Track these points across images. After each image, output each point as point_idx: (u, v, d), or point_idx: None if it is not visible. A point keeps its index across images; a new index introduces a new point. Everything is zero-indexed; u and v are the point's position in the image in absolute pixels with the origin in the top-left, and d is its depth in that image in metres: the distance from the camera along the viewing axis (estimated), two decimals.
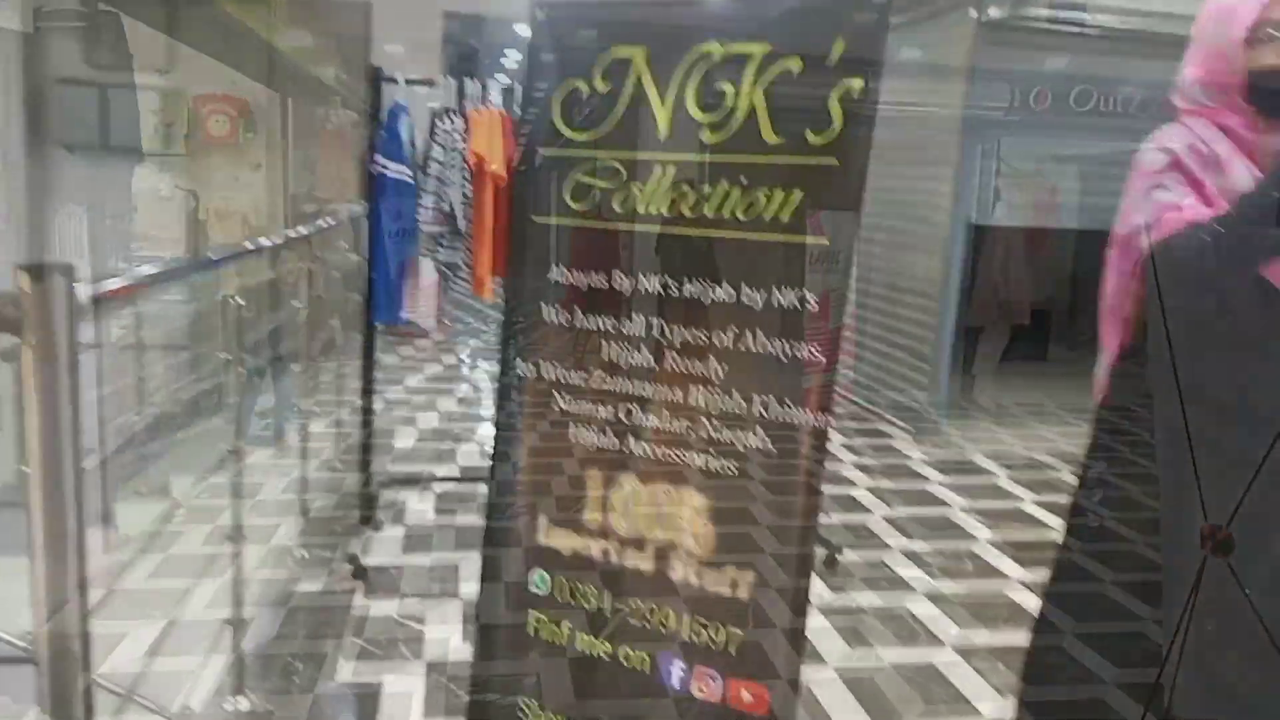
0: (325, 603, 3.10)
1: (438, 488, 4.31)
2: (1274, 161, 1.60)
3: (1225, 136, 1.69)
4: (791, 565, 1.52)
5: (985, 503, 4.46)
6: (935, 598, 3.37)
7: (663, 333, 1.60)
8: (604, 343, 1.65)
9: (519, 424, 1.75)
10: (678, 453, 1.60)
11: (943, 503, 4.52)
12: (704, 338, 1.57)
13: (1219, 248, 1.61)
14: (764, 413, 1.53)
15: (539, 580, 1.74)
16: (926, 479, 4.88)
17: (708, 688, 1.60)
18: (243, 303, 2.39)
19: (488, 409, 5.93)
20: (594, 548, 1.69)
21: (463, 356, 7.73)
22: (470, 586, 3.28)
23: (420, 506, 4.07)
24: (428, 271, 3.54)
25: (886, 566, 3.68)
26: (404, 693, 2.58)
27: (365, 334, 3.55)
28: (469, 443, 5.14)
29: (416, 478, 4.24)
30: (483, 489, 4.41)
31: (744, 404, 1.55)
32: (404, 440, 5.14)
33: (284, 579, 3.26)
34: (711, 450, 1.57)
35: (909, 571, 3.63)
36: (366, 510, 3.62)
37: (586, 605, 1.70)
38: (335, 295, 4.93)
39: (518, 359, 1.73)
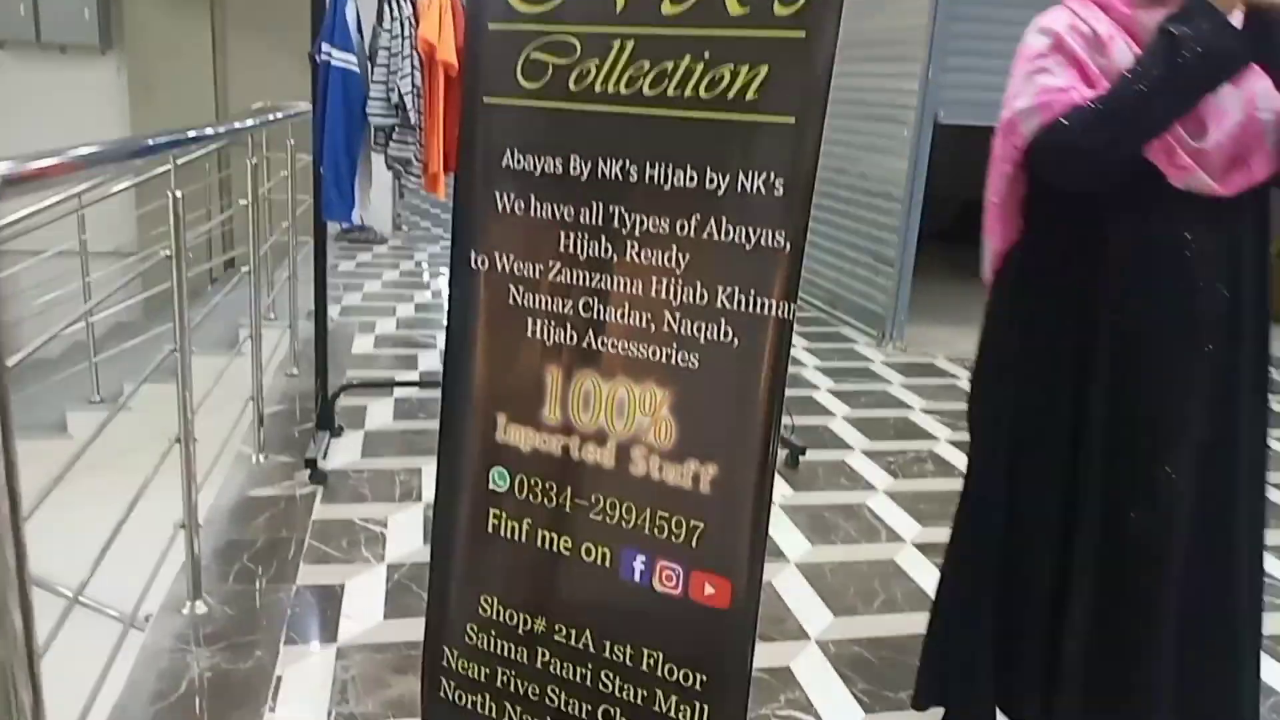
0: (284, 507, 3.06)
1: (398, 392, 4.26)
2: (1152, 38, 1.55)
3: (1105, 15, 1.64)
4: (754, 459, 1.49)
5: (946, 404, 4.49)
6: (896, 495, 3.40)
7: (622, 221, 1.53)
8: (561, 233, 1.58)
9: (474, 319, 1.68)
10: (639, 346, 1.55)
11: (904, 405, 4.54)
12: (665, 226, 1.51)
13: (1101, 128, 1.57)
14: (727, 303, 1.48)
15: (498, 477, 1.70)
16: (888, 381, 4.90)
17: (669, 581, 1.58)
18: (179, 194, 2.27)
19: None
20: (554, 444, 1.65)
21: (420, 261, 7.59)
22: (432, 490, 3.25)
23: (380, 412, 4.02)
24: (380, 170, 3.40)
25: (848, 466, 3.70)
26: (366, 594, 2.57)
27: (317, 234, 3.43)
28: (429, 349, 5.07)
29: (376, 383, 4.17)
30: (435, 396, 4.37)
31: (707, 294, 1.49)
32: (362, 346, 5.05)
33: (241, 484, 3.21)
34: (674, 343, 1.52)
35: (870, 471, 3.66)
36: (324, 415, 3.56)
37: (547, 502, 1.67)
38: (285, 197, 4.76)
39: (471, 251, 1.66)
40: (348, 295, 6.17)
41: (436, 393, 4.25)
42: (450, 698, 1.81)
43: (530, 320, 1.64)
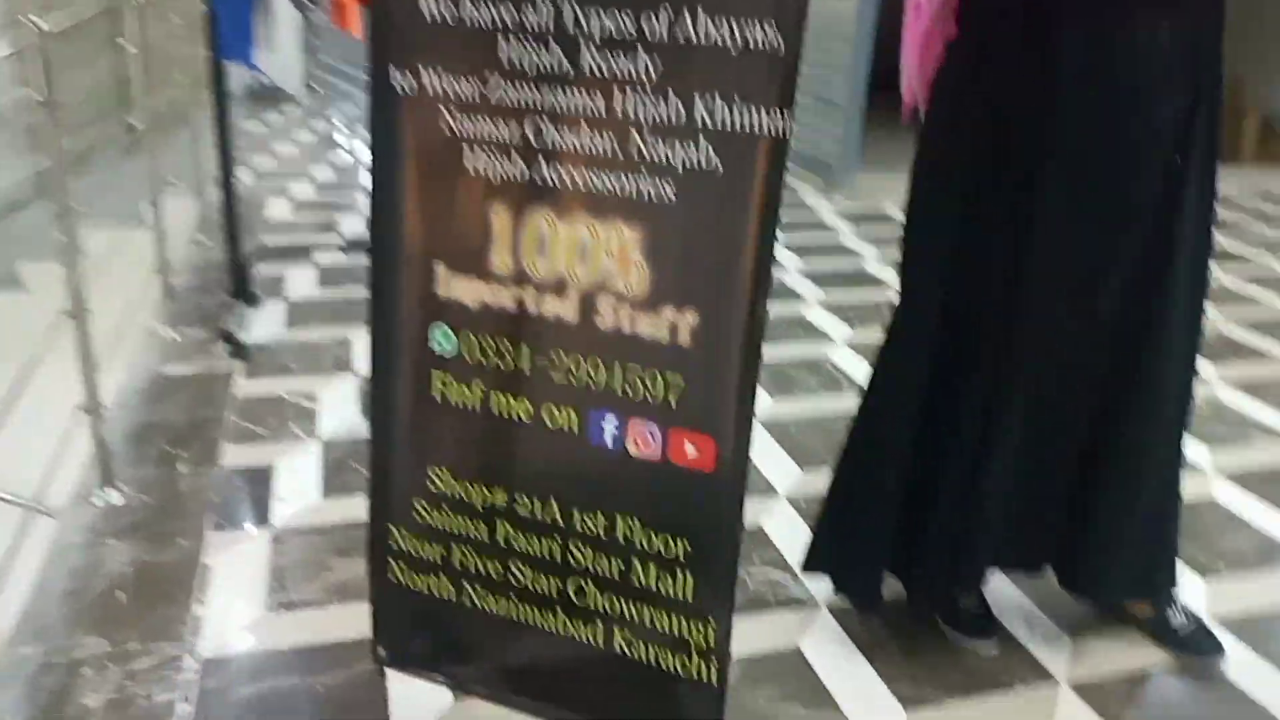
0: (202, 385, 2.80)
1: (321, 259, 3.95)
2: None
3: None
4: (742, 304, 1.29)
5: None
6: (856, 347, 3.27)
7: (577, 22, 1.27)
8: (502, 40, 1.31)
9: (400, 152, 1.42)
10: (602, 177, 1.31)
11: (857, 254, 4.39)
12: (630, 25, 1.25)
13: None
14: (708, 119, 1.24)
15: (441, 338, 1.48)
16: (839, 231, 4.73)
17: (645, 444, 1.40)
18: (44, 26, 1.91)
19: (364, 176, 5.46)
20: (505, 297, 1.42)
21: (336, 122, 7.09)
22: (363, 362, 3.02)
23: (302, 280, 3.72)
24: (285, 10, 3.02)
25: (805, 319, 3.55)
26: (299, 474, 2.36)
27: (216, 81, 3.05)
28: (352, 212, 4.72)
29: (294, 248, 3.85)
30: (362, 261, 4.07)
31: (683, 109, 1.25)
32: (278, 211, 4.68)
33: (152, 363, 2.93)
34: (644, 172, 1.29)
35: (828, 323, 3.51)
36: (240, 285, 3.26)
37: (501, 364, 1.45)
38: (181, 51, 4.30)
39: (391, 68, 1.38)
40: (259, 159, 5.72)
41: (363, 259, 3.97)
42: (401, 581, 1.63)
43: (468, 150, 1.39)
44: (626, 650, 1.51)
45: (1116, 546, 1.75)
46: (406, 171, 1.44)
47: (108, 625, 1.81)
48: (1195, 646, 1.84)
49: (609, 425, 1.43)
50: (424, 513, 1.58)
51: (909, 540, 1.76)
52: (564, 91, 1.32)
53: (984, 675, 1.78)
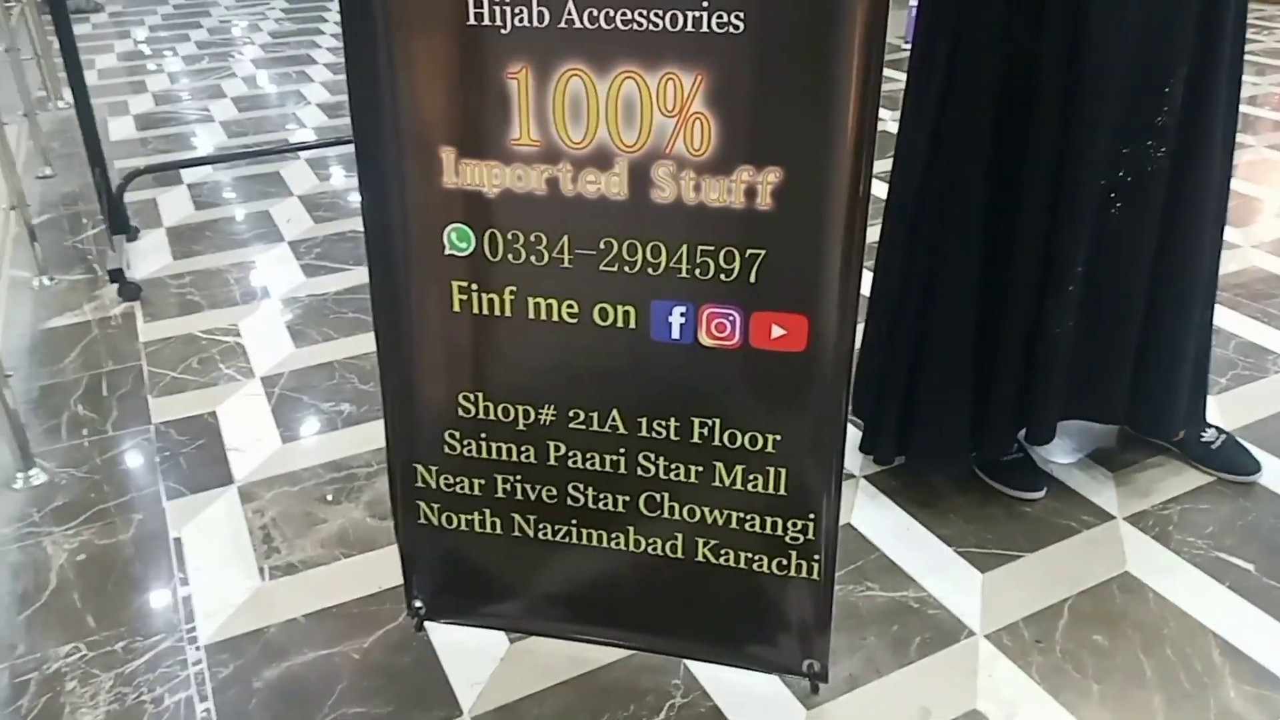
0: (98, 335, 2.43)
1: (188, 178, 3.50)
2: None
3: None
4: (839, 150, 1.10)
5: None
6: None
7: None
8: None
9: (379, 6, 1.15)
10: (649, 9, 1.08)
11: None
12: None
13: None
14: None
15: (457, 239, 1.24)
16: None
17: (722, 331, 1.22)
18: None
19: (206, 82, 4.89)
20: (534, 179, 1.19)
21: (152, 27, 6.32)
22: (279, 283, 2.69)
23: (175, 204, 3.29)
24: None
25: None
26: (247, 418, 2.08)
27: None
28: (206, 122, 4.22)
29: (171, 164, 3.39)
30: (237, 175, 3.66)
31: None
32: (121, 130, 4.13)
33: (29, 317, 2.53)
34: (704, 3, 1.07)
35: None
36: (114, 216, 2.84)
37: (535, 259, 1.23)
38: None
39: None
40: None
41: (232, 171, 3.55)
42: (435, 521, 1.42)
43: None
44: (712, 558, 1.36)
45: (1178, 384, 1.71)
46: (391, 33, 1.16)
47: (78, 627, 1.54)
48: (1230, 460, 1.83)
49: (676, 316, 1.23)
50: (459, 444, 1.36)
51: (974, 396, 1.66)
52: None
53: (1044, 524, 1.72)
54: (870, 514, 1.74)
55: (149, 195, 3.31)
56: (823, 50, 1.07)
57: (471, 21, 1.13)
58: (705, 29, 1.08)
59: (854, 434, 1.80)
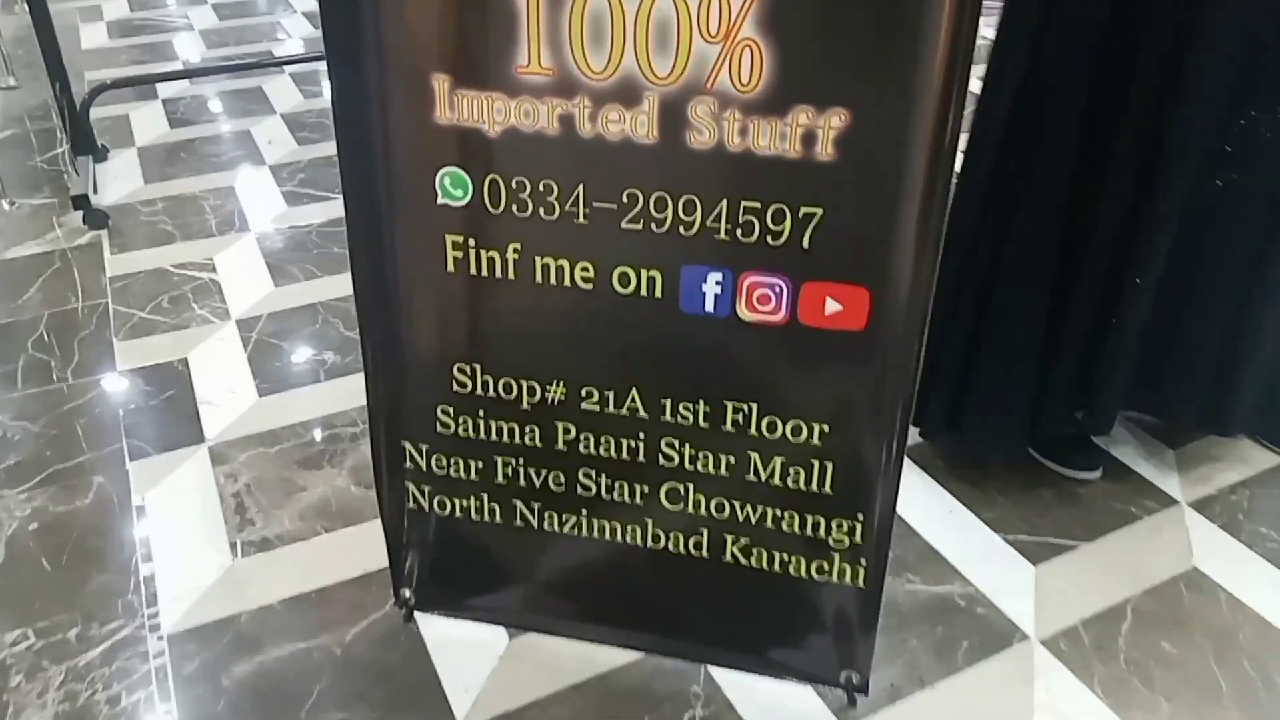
0: (61, 268, 2.23)
1: (164, 92, 3.24)
2: None
3: None
4: (921, 89, 0.89)
5: None
6: None
7: None
8: None
9: None
10: None
11: None
12: None
13: None
14: None
15: (452, 184, 1.04)
16: None
17: (765, 304, 1.03)
18: None
19: None
20: (544, 114, 0.98)
21: None
22: (259, 212, 2.48)
23: (149, 120, 3.04)
24: None
25: None
26: (221, 366, 1.89)
27: None
28: (184, 30, 3.93)
29: (138, 79, 3.13)
30: (218, 89, 3.40)
31: None
32: (93, 38, 3.84)
33: None
34: None
35: None
36: (79, 135, 2.60)
37: (544, 211, 1.03)
38: None
39: None
40: None
41: (208, 86, 3.29)
42: (426, 507, 1.25)
43: None
44: (742, 558, 1.19)
45: (1268, 390, 1.52)
46: None
47: (27, 609, 1.38)
48: None
49: (710, 284, 1.04)
50: (452, 422, 1.18)
51: (1036, 378, 1.47)
52: None
53: (1101, 508, 1.56)
54: (908, 493, 1.57)
55: (121, 111, 3.06)
56: None
57: None
58: None
59: None
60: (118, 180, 2.64)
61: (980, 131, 1.38)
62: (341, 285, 2.13)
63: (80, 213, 2.37)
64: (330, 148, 2.78)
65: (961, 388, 1.51)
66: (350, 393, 1.80)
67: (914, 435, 1.66)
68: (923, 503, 1.56)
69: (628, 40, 0.94)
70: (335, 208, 2.47)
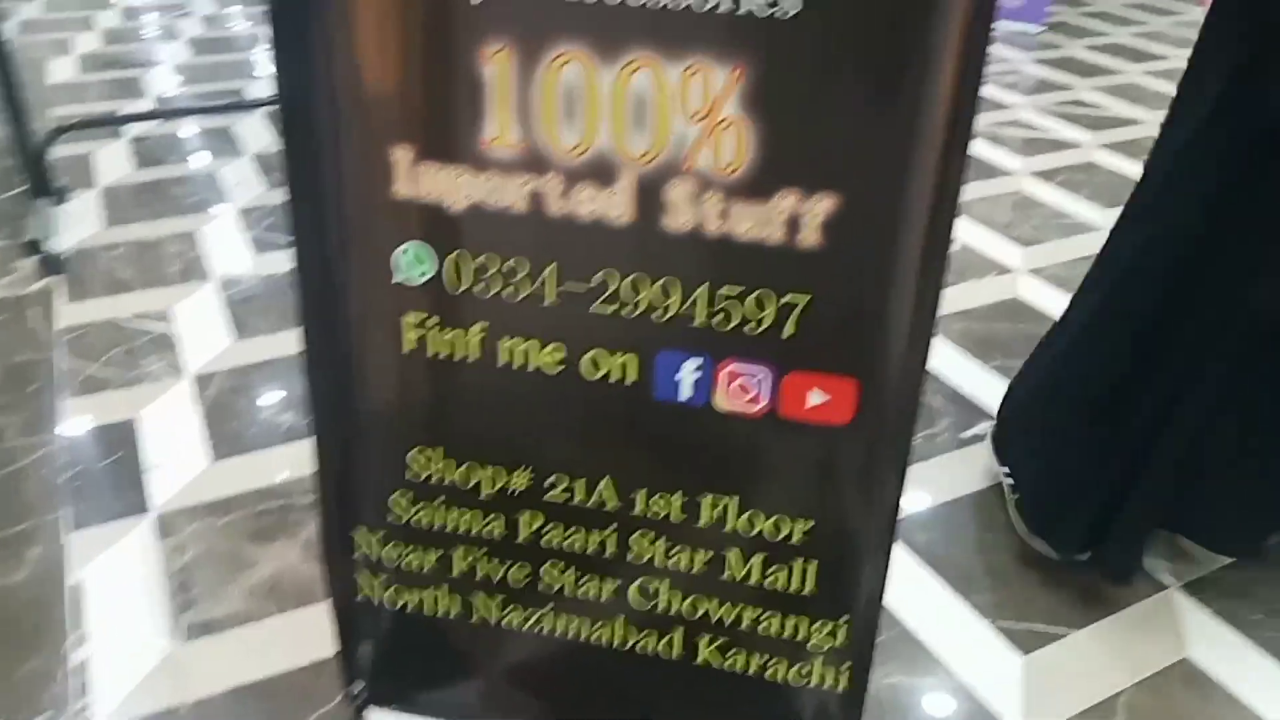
0: (10, 317, 2.13)
1: (133, 130, 3.17)
2: None
3: None
4: (914, 174, 0.84)
5: None
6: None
7: None
8: None
9: None
10: None
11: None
12: None
13: None
14: None
15: (413, 260, 0.97)
16: None
17: (744, 394, 0.96)
18: None
19: (162, 20, 4.51)
20: (511, 191, 0.92)
21: None
22: (222, 259, 2.40)
23: (114, 160, 2.96)
24: None
25: None
26: (173, 426, 1.80)
27: None
28: (156, 65, 3.86)
29: (101, 120, 3.05)
30: (187, 128, 3.33)
31: None
32: (61, 72, 3.77)
33: None
34: None
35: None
36: (37, 176, 2.51)
37: (510, 292, 0.96)
38: None
39: None
40: (22, 6, 4.63)
41: (179, 126, 3.22)
42: (378, 598, 1.17)
43: None
44: (716, 660, 1.11)
45: None
46: (330, 3, 0.88)
47: None
48: None
49: (687, 372, 0.98)
50: (406, 510, 1.10)
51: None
52: None
53: (1091, 591, 1.49)
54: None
55: (84, 149, 2.98)
56: (904, 43, 0.80)
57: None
58: (746, 8, 0.81)
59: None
60: (78, 223, 2.55)
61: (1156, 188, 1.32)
62: None
63: (36, 259, 2.28)
64: None
65: (1112, 505, 1.41)
66: (306, 458, 1.71)
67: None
68: (903, 586, 1.49)
69: (602, 116, 0.88)
70: None
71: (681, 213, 0.90)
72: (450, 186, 0.94)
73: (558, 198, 0.92)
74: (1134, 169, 3.08)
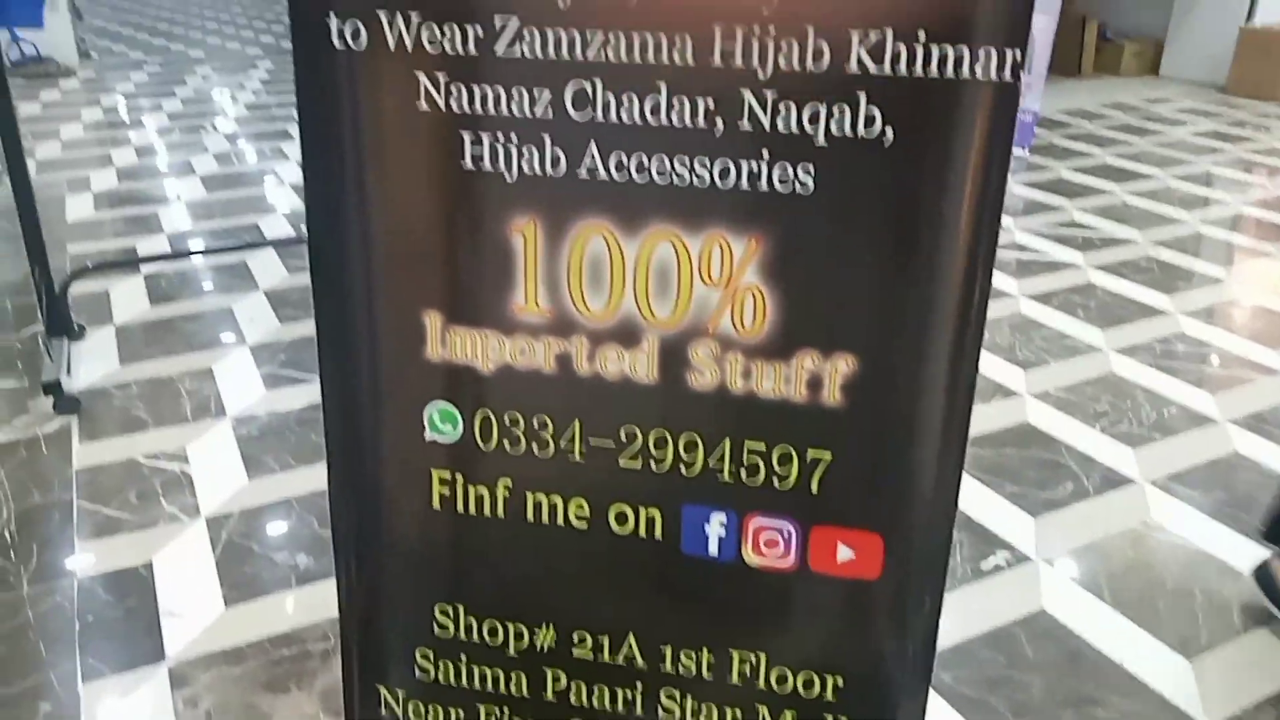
0: (25, 457, 2.14)
1: (147, 267, 3.24)
2: None
3: None
4: (930, 338, 0.87)
5: None
6: None
7: None
8: None
9: (354, 143, 0.91)
10: (694, 161, 0.85)
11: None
12: None
13: None
14: (870, 62, 0.80)
15: (440, 419, 0.99)
16: None
17: (773, 548, 0.97)
18: None
19: (177, 157, 4.66)
20: (540, 353, 0.95)
21: (124, 94, 6.11)
22: (236, 396, 2.42)
23: (129, 296, 3.02)
24: None
25: None
26: (188, 571, 1.79)
27: None
28: (170, 203, 3.97)
29: (119, 262, 3.13)
30: (201, 264, 3.41)
31: (828, 49, 0.80)
32: (79, 210, 3.88)
33: None
34: (762, 149, 0.84)
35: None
36: (55, 315, 2.56)
37: (538, 448, 0.98)
38: None
39: (331, 16, 0.86)
40: (42, 146, 4.79)
41: (191, 263, 3.29)
42: None
43: (467, 136, 0.89)
44: None
45: None
46: (366, 175, 0.93)
47: None
48: None
49: (714, 526, 0.99)
50: (431, 666, 1.09)
51: None
52: (624, 27, 0.84)
53: None
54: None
55: (101, 286, 3.04)
56: (918, 214, 0.84)
57: (469, 165, 0.89)
58: (764, 187, 0.85)
59: None
60: (93, 361, 2.59)
61: None
62: (317, 478, 2.04)
63: (51, 398, 2.31)
64: (313, 325, 2.75)
65: None
66: (322, 602, 1.70)
67: None
68: None
69: (627, 283, 0.91)
70: (315, 391, 2.40)
71: (705, 372, 0.93)
72: (480, 349, 0.96)
73: (584, 359, 0.95)
74: (1129, 289, 3.15)
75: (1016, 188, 4.27)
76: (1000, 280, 3.22)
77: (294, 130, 5.24)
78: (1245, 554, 1.83)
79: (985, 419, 2.34)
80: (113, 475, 2.08)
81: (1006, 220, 3.85)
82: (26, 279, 3.02)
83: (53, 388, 2.30)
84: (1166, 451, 2.22)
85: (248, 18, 9.90)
